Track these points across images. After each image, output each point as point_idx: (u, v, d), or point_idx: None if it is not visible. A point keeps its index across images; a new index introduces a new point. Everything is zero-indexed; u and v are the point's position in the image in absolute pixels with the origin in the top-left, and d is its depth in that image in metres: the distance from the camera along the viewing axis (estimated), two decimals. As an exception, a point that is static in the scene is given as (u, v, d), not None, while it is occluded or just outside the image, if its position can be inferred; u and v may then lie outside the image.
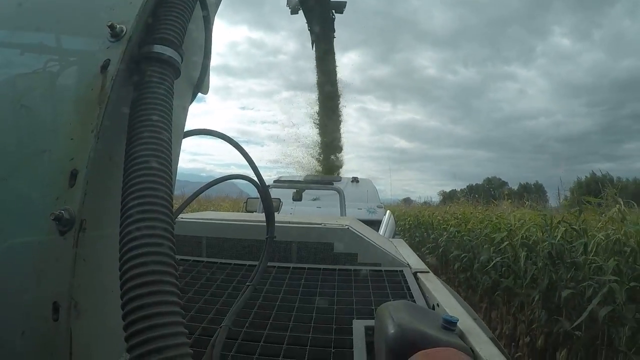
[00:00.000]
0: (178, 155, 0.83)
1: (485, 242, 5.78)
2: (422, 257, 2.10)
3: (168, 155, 0.58)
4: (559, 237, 4.24)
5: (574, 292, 3.70)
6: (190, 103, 0.91)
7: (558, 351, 3.80)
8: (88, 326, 0.56)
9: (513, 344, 4.43)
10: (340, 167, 14.66)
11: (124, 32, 0.61)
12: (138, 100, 0.60)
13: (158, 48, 0.64)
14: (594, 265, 3.64)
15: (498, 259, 5.10)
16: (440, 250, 7.53)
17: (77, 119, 0.58)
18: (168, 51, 0.64)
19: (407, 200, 20.26)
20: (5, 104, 0.63)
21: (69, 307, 0.53)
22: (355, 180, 7.82)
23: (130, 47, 0.61)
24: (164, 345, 0.44)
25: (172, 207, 0.54)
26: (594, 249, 3.80)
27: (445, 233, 7.77)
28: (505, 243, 5.13)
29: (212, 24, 0.91)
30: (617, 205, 3.90)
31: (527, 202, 6.20)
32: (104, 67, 0.59)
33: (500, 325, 4.81)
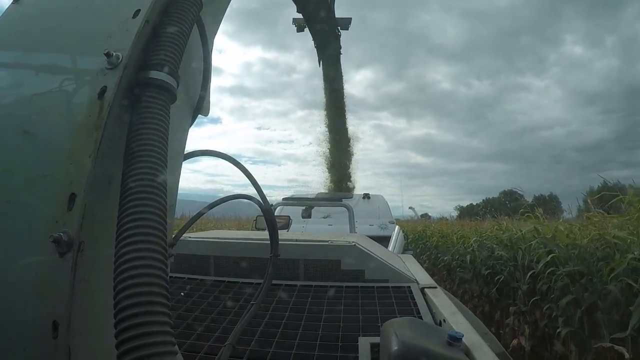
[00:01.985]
0: (179, 177, 0.84)
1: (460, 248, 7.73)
2: (422, 262, 2.29)
3: (163, 180, 0.60)
4: (471, 241, 6.91)
5: (491, 272, 5.76)
6: (191, 125, 0.92)
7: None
8: (86, 344, 0.57)
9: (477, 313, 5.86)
10: (349, 183, 14.59)
11: (120, 60, 0.63)
12: (135, 125, 0.62)
13: (154, 74, 0.66)
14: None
15: (465, 258, 6.94)
16: (433, 256, 9.45)
17: (75, 144, 0.60)
18: (164, 76, 0.66)
19: (424, 216, 20.08)
20: (7, 130, 0.65)
21: (68, 326, 0.54)
22: (366, 196, 7.80)
23: (126, 73, 0.63)
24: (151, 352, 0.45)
25: (166, 229, 0.56)
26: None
27: (428, 243, 10.44)
28: (456, 247, 7.56)
29: (211, 47, 0.93)
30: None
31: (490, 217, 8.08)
32: (101, 93, 0.61)
33: (472, 303, 6.49)
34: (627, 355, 2.88)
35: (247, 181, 1.07)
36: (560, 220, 5.18)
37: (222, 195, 1.13)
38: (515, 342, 4.41)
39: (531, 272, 4.44)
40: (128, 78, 0.64)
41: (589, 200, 4.61)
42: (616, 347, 3.00)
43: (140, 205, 0.54)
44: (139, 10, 0.67)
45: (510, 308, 4.94)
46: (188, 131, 0.91)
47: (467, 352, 0.93)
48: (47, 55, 0.71)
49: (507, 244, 5.52)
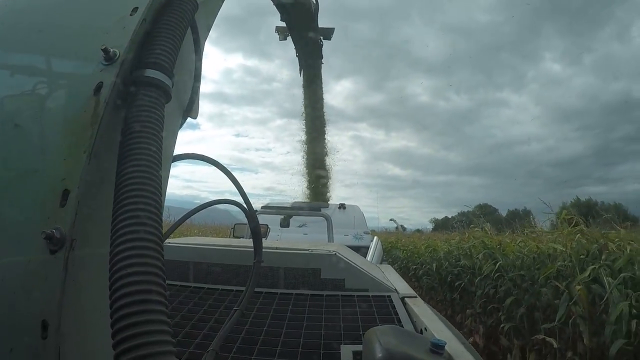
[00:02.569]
0: (167, 178, 0.83)
1: (427, 257, 8.60)
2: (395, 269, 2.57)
3: (158, 178, 0.59)
4: (439, 249, 7.99)
5: (453, 278, 6.46)
6: (180, 127, 0.92)
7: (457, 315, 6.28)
8: (76, 345, 0.56)
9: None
10: (326, 193, 14.61)
11: (117, 56, 0.62)
12: (129, 123, 0.61)
13: (150, 72, 0.65)
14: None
15: (431, 266, 7.71)
16: (403, 265, 10.40)
17: (69, 140, 0.59)
18: (160, 75, 0.66)
19: (402, 228, 20.49)
20: None
21: (58, 326, 0.52)
22: (342, 206, 7.85)
23: (123, 70, 0.62)
24: (150, 351, 0.44)
25: (162, 227, 0.55)
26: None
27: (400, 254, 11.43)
28: (423, 257, 8.64)
29: (203, 49, 0.93)
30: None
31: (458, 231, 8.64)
32: (97, 89, 0.60)
33: (436, 308, 7.11)
34: (555, 345, 3.52)
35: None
36: (507, 234, 6.23)
37: (199, 202, 1.12)
38: (471, 340, 4.93)
39: (479, 277, 5.23)
40: (124, 75, 0.63)
41: (532, 218, 5.52)
42: (547, 338, 3.64)
43: (136, 202, 0.54)
44: (137, 7, 0.67)
45: (467, 310, 5.61)
46: (177, 133, 0.90)
47: None
48: (42, 50, 0.69)
49: (468, 253, 6.25)
